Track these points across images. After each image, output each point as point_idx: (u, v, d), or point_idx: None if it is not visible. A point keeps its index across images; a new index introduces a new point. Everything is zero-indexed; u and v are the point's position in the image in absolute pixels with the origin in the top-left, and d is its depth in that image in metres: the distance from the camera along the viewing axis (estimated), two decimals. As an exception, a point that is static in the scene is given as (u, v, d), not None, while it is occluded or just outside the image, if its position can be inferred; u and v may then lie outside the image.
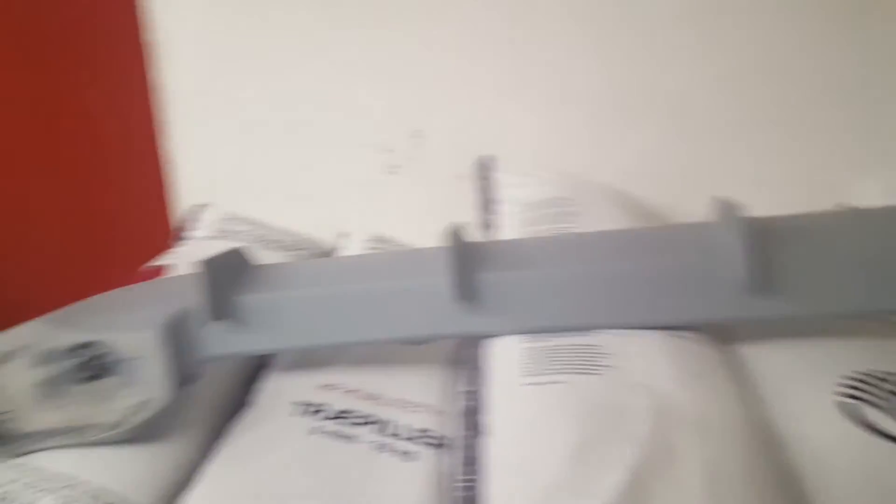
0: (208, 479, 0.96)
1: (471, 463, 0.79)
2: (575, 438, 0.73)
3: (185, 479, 0.99)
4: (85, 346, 0.94)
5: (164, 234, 1.79)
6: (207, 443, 1.06)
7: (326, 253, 1.62)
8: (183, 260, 1.40)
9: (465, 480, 0.79)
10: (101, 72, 1.78)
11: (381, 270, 1.02)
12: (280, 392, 1.10)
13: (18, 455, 0.92)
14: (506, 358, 0.86)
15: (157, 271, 1.35)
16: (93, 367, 0.94)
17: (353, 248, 1.52)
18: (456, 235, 0.91)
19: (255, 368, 1.19)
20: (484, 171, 1.38)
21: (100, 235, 2.02)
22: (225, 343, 0.97)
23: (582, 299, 0.86)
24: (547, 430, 0.74)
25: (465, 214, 1.50)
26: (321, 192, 1.63)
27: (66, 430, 0.94)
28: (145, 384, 0.94)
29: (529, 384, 0.80)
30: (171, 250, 1.48)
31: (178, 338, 0.95)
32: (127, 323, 0.95)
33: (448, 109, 1.49)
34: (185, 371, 0.97)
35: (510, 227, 1.14)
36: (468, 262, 0.88)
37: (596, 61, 1.44)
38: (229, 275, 0.99)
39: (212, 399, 1.11)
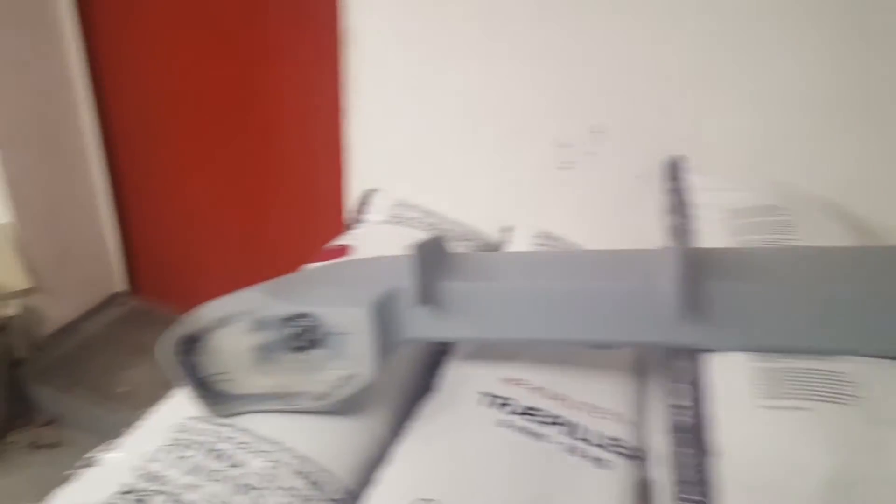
0: (402, 458, 0.97)
1: (694, 482, 0.75)
2: (828, 472, 0.68)
3: (377, 454, 1.01)
4: (299, 317, 0.96)
5: (338, 215, 1.85)
6: (396, 421, 1.07)
7: (492, 247, 1.61)
8: (363, 241, 1.44)
9: (690, 500, 0.75)
10: (295, 56, 1.86)
11: (591, 269, 0.99)
12: (466, 381, 1.09)
13: (230, 415, 0.96)
14: (733, 376, 0.81)
15: (340, 251, 1.39)
16: (304, 338, 0.97)
17: (519, 243, 1.50)
18: (681, 240, 0.87)
19: (437, 354, 1.20)
20: (674, 172, 1.32)
21: (281, 213, 2.12)
22: (427, 327, 0.98)
23: (822, 320, 0.80)
24: (796, 459, 0.69)
25: (644, 217, 1.45)
26: (490, 184, 1.62)
27: (275, 396, 0.97)
28: (353, 359, 0.95)
29: (767, 407, 0.75)
30: (350, 232, 1.52)
31: (385, 317, 0.96)
32: (339, 298, 0.97)
33: (633, 105, 1.43)
34: (388, 350, 0.98)
35: (714, 234, 1.08)
36: (697, 269, 0.83)
37: (809, 54, 1.26)
38: (435, 261, 0.99)
39: (400, 380, 1.13)
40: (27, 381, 2.10)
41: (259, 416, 0.98)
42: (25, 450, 2.00)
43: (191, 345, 0.96)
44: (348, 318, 0.95)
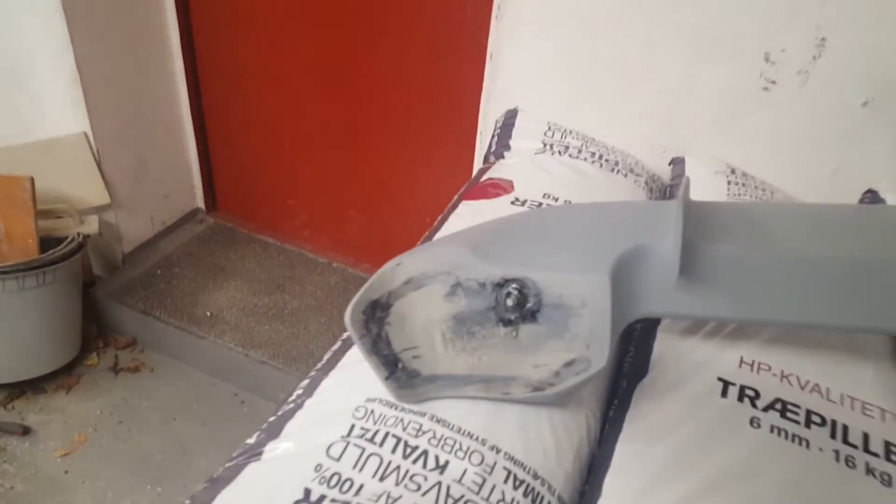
0: (630, 462, 0.78)
1: None
2: None
3: (588, 452, 0.82)
4: (511, 282, 0.75)
5: (467, 138, 1.60)
6: (601, 408, 0.87)
7: (660, 182, 1.36)
8: (521, 176, 1.20)
9: None
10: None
11: (883, 233, 0.75)
12: (695, 362, 0.88)
13: (420, 400, 0.77)
14: None
15: (498, 186, 1.15)
16: (517, 309, 0.75)
17: (697, 178, 1.25)
18: None
19: (627, 338, 0.98)
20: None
21: (389, 133, 1.86)
22: (677, 301, 0.76)
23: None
24: None
25: (871, 157, 1.18)
26: (661, 105, 1.35)
27: (478, 380, 0.77)
28: (579, 339, 0.74)
29: None
30: (498, 162, 1.28)
31: (624, 287, 0.74)
32: (565, 260, 0.75)
33: (861, 17, 1.14)
34: (619, 328, 0.77)
35: None
36: None
37: None
38: (693, 216, 0.76)
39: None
40: (106, 300, 1.96)
41: (460, 403, 0.78)
42: (106, 373, 1.88)
43: (378, 312, 0.75)
44: (579, 287, 0.73)
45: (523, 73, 1.41)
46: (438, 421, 0.75)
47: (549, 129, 1.33)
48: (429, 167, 1.80)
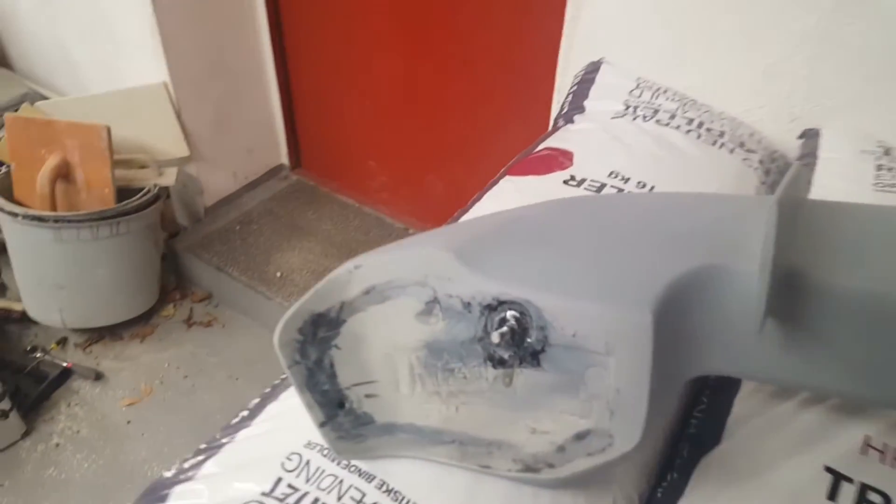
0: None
1: None
2: None
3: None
4: (508, 307, 0.50)
5: (546, 99, 1.31)
6: (640, 489, 0.60)
7: (783, 161, 1.01)
8: (588, 145, 0.91)
9: None
10: None
11: None
12: (794, 437, 0.58)
13: (370, 457, 0.54)
14: None
15: (553, 159, 0.88)
16: (513, 345, 0.50)
17: (837, 159, 0.89)
18: None
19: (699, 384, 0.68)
20: None
21: (469, 95, 1.61)
22: (764, 358, 0.47)
23: None
24: None
25: None
26: (795, 59, 0.99)
27: (452, 439, 0.53)
28: (602, 402, 0.48)
29: None
30: (566, 127, 1.00)
31: (681, 330, 0.47)
32: (585, 283, 0.49)
33: None
34: (668, 391, 0.49)
35: None
36: None
37: None
38: (811, 227, 0.46)
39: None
40: (184, 253, 1.89)
41: (411, 467, 0.54)
42: (180, 325, 1.82)
43: (321, 330, 0.53)
44: (605, 325, 0.47)
45: (611, 15, 1.10)
46: (389, 492, 0.52)
47: (638, 86, 1.02)
48: (509, 132, 1.53)
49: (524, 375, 0.50)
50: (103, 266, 1.65)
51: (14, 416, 1.45)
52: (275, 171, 2.10)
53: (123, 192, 1.65)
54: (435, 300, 0.52)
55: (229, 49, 1.83)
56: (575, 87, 1.05)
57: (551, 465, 0.48)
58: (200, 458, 0.56)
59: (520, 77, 1.42)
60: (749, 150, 0.96)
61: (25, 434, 1.50)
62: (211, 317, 1.85)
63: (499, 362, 0.51)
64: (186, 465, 0.56)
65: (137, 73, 1.74)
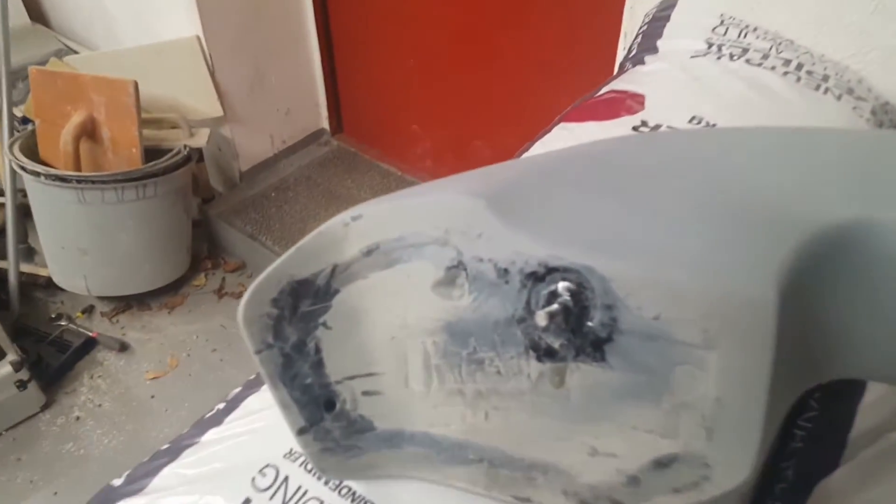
0: None
1: None
2: None
3: None
4: (562, 275, 0.35)
5: (611, 37, 1.13)
6: None
7: (894, 110, 0.82)
8: (660, 88, 0.74)
9: None
10: None
11: None
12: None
13: (367, 477, 0.40)
14: None
15: (620, 102, 0.71)
16: (567, 330, 0.36)
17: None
18: None
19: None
20: None
21: (522, 44, 1.44)
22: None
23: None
24: None
25: None
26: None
27: (479, 457, 0.39)
28: (697, 415, 0.33)
29: None
30: (635, 69, 0.83)
31: (815, 313, 0.31)
32: (674, 244, 0.34)
33: None
34: (787, 398, 0.34)
35: None
36: None
37: None
38: None
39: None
40: (217, 220, 1.80)
41: (423, 494, 0.40)
42: (210, 296, 1.73)
43: (304, 303, 0.39)
44: (704, 304, 0.31)
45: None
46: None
47: (722, 23, 0.84)
48: (567, 91, 1.36)
49: (582, 373, 0.36)
50: (129, 231, 1.57)
51: (33, 388, 1.38)
52: (315, 136, 1.98)
53: (152, 154, 1.56)
54: (460, 265, 0.38)
55: (267, 1, 1.71)
56: (645, 27, 0.88)
57: (635, 497, 0.34)
58: (156, 463, 0.44)
59: (581, 26, 1.25)
60: (859, 98, 0.77)
61: (45, 406, 1.44)
62: (243, 287, 1.75)
63: (546, 353, 0.37)
64: (139, 474, 0.44)
65: (170, 27, 1.64)
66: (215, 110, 1.72)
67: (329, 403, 0.39)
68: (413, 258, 0.39)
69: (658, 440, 0.34)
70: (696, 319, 0.32)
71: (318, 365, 0.39)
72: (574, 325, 0.36)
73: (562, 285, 0.36)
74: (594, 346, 0.36)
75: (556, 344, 0.36)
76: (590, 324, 0.35)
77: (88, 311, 1.66)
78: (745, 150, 0.39)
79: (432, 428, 0.39)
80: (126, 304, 1.69)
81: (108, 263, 1.59)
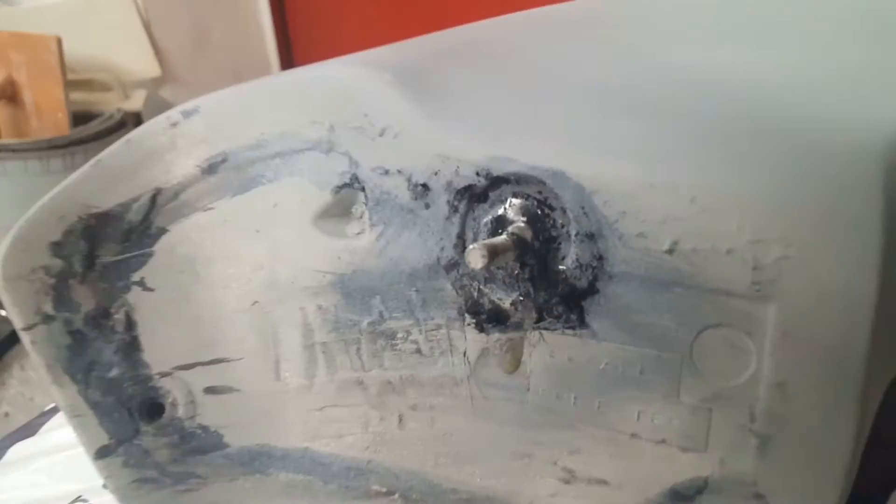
0: None
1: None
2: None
3: None
4: (508, 188, 0.21)
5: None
6: None
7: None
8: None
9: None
10: None
11: None
12: None
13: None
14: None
15: None
16: (521, 274, 0.22)
17: None
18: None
19: None
20: None
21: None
22: None
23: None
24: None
25: None
26: None
27: (388, 487, 0.25)
28: (750, 410, 0.19)
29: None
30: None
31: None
32: (677, 123, 0.20)
33: None
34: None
35: None
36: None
37: None
38: None
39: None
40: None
41: None
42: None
43: (109, 250, 0.24)
44: (756, 218, 0.17)
45: None
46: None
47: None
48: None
49: (548, 348, 0.22)
50: (59, 206, 1.40)
51: (-50, 382, 1.23)
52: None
53: (82, 119, 1.40)
54: (354, 182, 0.24)
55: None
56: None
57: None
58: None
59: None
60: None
61: (-33, 402, 1.29)
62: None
63: (491, 318, 0.23)
64: None
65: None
66: (152, 70, 1.55)
67: (150, 408, 0.24)
68: (281, 175, 0.24)
69: (675, 456, 0.20)
70: (743, 248, 0.18)
71: (132, 348, 0.24)
72: (535, 271, 0.22)
73: (514, 205, 0.22)
74: (567, 304, 0.21)
75: (506, 302, 0.22)
76: (560, 267, 0.21)
77: (17, 296, 1.50)
78: None
79: (316, 442, 0.24)
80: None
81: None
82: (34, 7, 1.55)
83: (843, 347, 0.18)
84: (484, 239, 0.22)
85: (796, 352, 0.19)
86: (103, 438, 0.24)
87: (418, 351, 0.24)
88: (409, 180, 0.23)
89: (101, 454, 0.24)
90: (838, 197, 0.18)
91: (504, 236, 0.21)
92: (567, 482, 0.22)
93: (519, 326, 0.22)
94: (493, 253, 0.20)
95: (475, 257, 0.19)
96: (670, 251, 0.20)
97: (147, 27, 1.50)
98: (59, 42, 1.36)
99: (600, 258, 0.21)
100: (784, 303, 0.19)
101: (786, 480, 0.20)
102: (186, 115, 0.25)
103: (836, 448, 0.19)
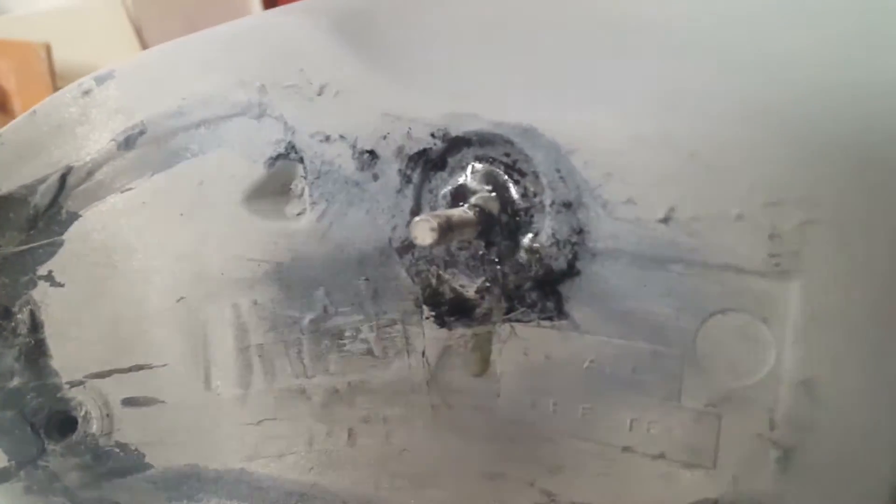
0: None
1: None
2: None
3: None
4: (469, 151, 0.17)
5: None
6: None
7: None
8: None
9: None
10: None
11: None
12: None
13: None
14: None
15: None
16: (485, 255, 0.18)
17: None
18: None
19: None
20: None
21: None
22: None
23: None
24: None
25: None
26: None
27: None
28: (769, 415, 0.15)
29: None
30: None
31: None
32: (667, 66, 0.16)
33: None
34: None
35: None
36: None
37: None
38: None
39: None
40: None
41: None
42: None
43: (13, 238, 0.21)
44: (773, 176, 0.13)
45: None
46: None
47: None
48: None
49: (521, 345, 0.18)
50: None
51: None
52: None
53: (72, 128, 1.37)
54: (291, 151, 0.20)
55: (194, -52, 1.51)
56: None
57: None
58: None
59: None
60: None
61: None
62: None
63: (453, 311, 0.19)
64: None
65: (82, -18, 1.45)
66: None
67: (59, 423, 0.21)
68: (207, 147, 0.21)
69: (677, 474, 0.16)
70: (757, 213, 0.14)
71: (37, 353, 0.21)
72: (503, 250, 0.18)
73: (477, 172, 0.18)
74: (543, 289, 0.18)
75: (470, 290, 0.18)
76: (534, 245, 0.17)
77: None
78: None
79: (253, 463, 0.21)
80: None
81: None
82: (23, 14, 1.54)
83: (888, 334, 0.14)
84: (448, 216, 0.18)
85: (826, 341, 0.15)
86: (1, 460, 0.21)
87: (369, 352, 0.20)
88: (353, 147, 0.19)
89: (0, 478, 0.21)
90: (878, 144, 0.14)
91: (467, 210, 0.18)
92: (546, 507, 0.18)
93: (486, 319, 0.19)
94: (447, 226, 0.16)
95: (422, 231, 0.16)
96: (666, 220, 0.16)
97: (138, 33, 1.48)
98: (49, 49, 1.33)
99: (581, 232, 0.17)
100: (810, 279, 0.15)
101: (815, 500, 0.16)
102: (100, 80, 0.21)
103: (880, 463, 0.15)
